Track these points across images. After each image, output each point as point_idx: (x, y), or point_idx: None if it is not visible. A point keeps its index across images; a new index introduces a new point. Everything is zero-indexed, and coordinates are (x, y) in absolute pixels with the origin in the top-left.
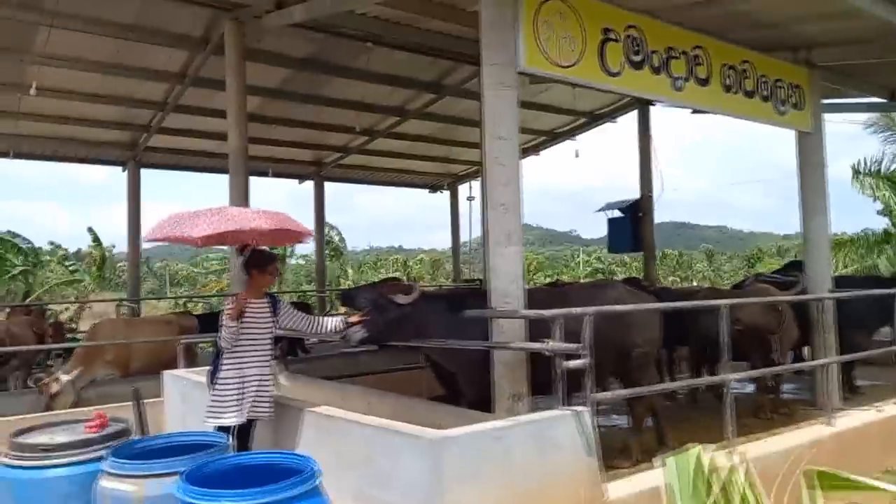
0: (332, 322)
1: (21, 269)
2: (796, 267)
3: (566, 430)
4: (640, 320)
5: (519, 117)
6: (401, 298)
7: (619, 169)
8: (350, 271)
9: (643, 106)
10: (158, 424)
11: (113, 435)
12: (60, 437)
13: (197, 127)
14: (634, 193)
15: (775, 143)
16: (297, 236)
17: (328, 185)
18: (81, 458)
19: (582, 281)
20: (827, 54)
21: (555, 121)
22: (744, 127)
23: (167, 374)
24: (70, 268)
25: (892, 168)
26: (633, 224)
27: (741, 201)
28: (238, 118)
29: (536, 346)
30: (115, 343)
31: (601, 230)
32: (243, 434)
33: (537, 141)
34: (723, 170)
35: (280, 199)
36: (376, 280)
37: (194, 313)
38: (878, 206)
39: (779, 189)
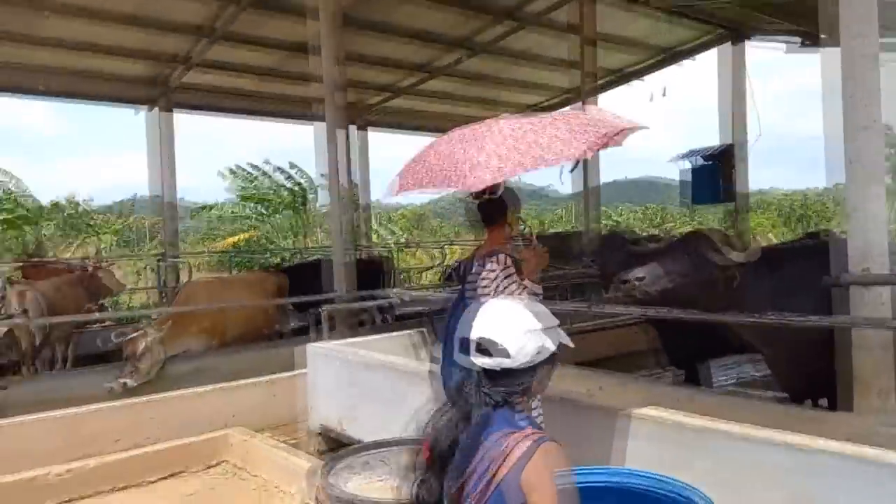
0: None
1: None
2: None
3: None
4: None
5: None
6: (734, 255)
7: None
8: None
9: (736, 39)
10: (301, 412)
11: None
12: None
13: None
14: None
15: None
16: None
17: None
18: None
19: None
20: None
21: (623, 59)
22: None
23: (315, 349)
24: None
25: None
26: (722, 173)
27: None
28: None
29: None
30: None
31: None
32: None
33: (600, 82)
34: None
35: None
36: None
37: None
38: None
39: None
